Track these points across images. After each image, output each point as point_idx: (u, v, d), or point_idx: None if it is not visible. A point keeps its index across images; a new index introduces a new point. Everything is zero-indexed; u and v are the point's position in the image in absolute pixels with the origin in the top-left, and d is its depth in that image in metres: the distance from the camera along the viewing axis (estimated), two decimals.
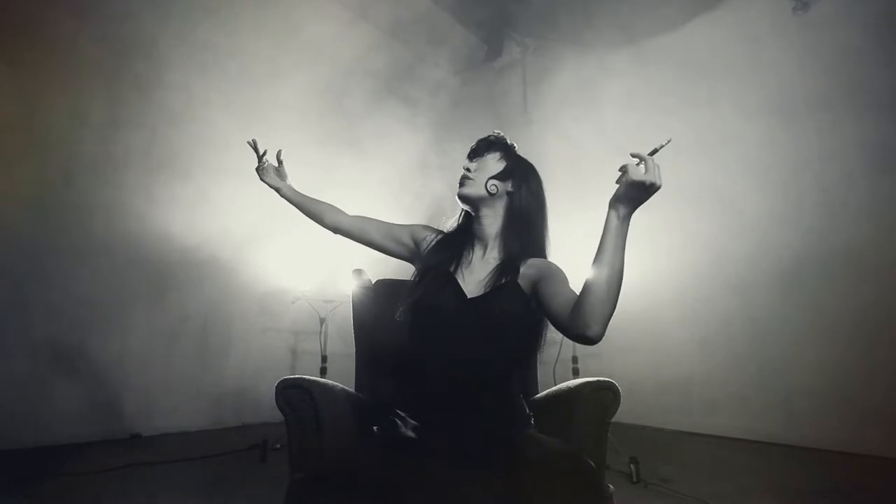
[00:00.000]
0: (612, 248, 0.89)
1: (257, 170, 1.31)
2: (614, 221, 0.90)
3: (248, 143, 1.30)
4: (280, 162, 1.33)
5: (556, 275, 1.02)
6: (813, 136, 2.76)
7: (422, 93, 3.77)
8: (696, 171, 3.12)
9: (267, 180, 1.30)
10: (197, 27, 2.95)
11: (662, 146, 0.86)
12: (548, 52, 4.22)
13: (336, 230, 1.26)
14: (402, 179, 3.15)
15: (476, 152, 1.17)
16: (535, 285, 1.01)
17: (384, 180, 3.18)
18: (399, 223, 1.23)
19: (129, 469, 2.09)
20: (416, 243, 1.18)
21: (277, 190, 1.30)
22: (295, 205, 1.30)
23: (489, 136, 1.19)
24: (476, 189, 1.11)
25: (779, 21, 2.94)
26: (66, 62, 2.60)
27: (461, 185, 1.13)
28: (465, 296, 1.04)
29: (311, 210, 1.28)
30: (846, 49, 2.69)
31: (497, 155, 1.15)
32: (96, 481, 1.93)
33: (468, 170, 1.14)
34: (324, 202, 1.29)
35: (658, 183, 0.86)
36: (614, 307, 0.90)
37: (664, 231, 3.19)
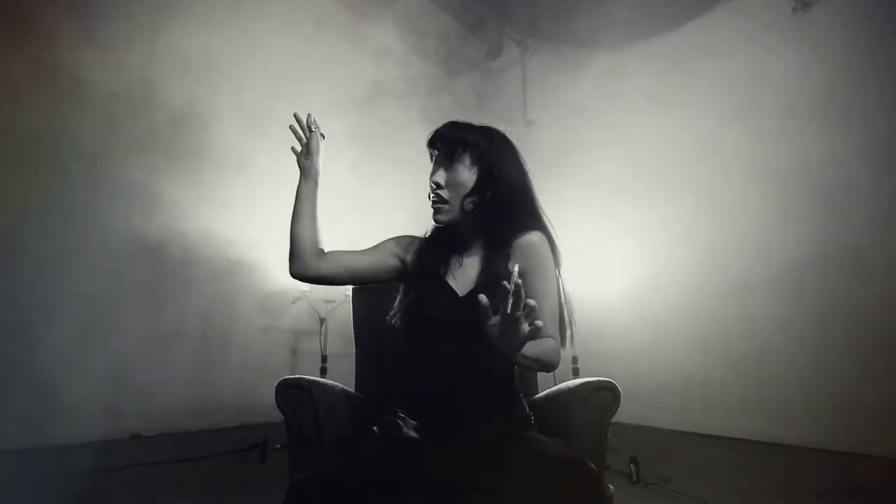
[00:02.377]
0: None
1: (300, 153, 1.14)
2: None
3: (297, 118, 1.14)
4: (310, 130, 1.14)
5: (535, 280, 0.97)
6: (813, 137, 2.76)
7: (421, 93, 3.77)
8: (696, 172, 3.12)
9: (304, 162, 1.12)
10: (200, 33, 2.95)
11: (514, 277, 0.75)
12: (548, 52, 4.22)
13: (309, 278, 1.06)
14: (405, 180, 3.15)
15: (442, 161, 1.04)
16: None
17: (387, 182, 3.18)
18: (377, 243, 1.13)
19: (129, 469, 2.09)
20: (402, 258, 1.13)
21: (305, 171, 1.11)
22: (298, 202, 1.10)
23: (448, 132, 1.04)
24: (453, 214, 1.04)
25: (779, 21, 2.94)
26: (66, 60, 2.60)
27: (435, 210, 1.04)
28: (457, 294, 1.04)
29: (298, 228, 1.08)
30: (846, 49, 2.69)
31: (467, 163, 1.02)
32: (96, 481, 1.93)
33: (438, 186, 1.02)
34: (313, 235, 1.08)
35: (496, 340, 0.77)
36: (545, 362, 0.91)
37: (664, 231, 3.19)
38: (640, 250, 3.18)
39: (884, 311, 2.44)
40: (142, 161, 2.80)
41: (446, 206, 1.03)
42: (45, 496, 1.77)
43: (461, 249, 1.09)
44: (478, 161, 1.03)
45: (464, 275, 1.06)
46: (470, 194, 1.02)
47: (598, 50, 3.71)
